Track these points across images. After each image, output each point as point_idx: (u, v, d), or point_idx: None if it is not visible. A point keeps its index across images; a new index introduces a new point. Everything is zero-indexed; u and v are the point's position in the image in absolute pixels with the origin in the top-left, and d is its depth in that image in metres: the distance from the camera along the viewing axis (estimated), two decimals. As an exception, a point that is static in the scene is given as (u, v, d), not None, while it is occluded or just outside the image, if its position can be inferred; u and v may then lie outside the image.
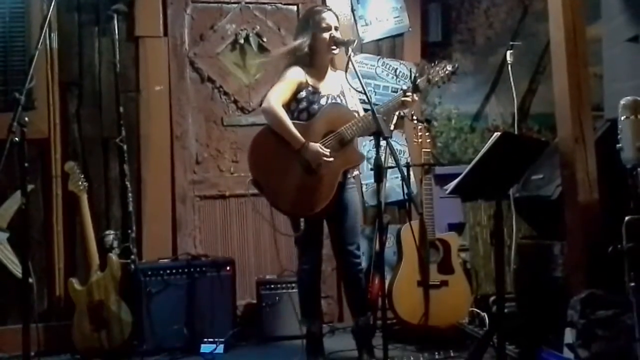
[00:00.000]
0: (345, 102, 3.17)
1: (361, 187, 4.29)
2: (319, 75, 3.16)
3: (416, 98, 3.10)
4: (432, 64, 3.15)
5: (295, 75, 3.08)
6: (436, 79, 3.08)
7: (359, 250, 3.24)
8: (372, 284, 3.65)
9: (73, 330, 3.53)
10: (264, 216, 3.31)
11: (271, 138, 3.00)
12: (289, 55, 3.18)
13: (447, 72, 3.08)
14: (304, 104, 3.09)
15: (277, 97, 3.01)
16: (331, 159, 2.96)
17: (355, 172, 3.32)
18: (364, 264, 3.76)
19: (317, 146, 2.95)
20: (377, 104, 3.05)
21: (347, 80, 3.27)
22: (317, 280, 3.27)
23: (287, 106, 3.06)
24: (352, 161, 3.10)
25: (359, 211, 3.31)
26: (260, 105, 4.16)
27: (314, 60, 3.13)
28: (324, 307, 4.07)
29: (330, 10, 3.20)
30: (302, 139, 2.95)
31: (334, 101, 3.11)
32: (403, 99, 3.07)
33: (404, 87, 3.14)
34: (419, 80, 3.09)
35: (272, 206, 3.02)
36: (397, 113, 3.50)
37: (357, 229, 3.26)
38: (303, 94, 3.09)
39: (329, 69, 3.21)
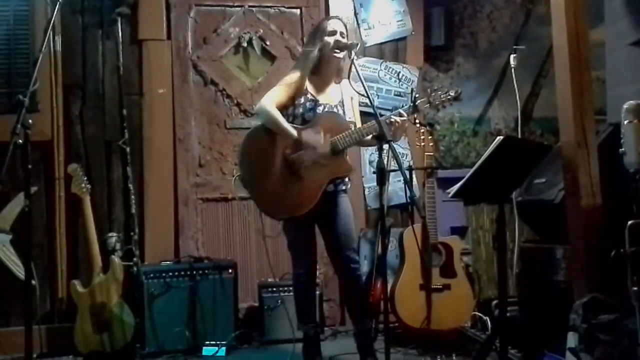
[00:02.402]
0: (344, 112, 3.15)
1: (364, 191, 4.30)
2: (322, 84, 3.16)
3: (404, 122, 3.00)
4: (435, 88, 3.10)
5: (294, 79, 3.10)
6: (437, 102, 3.02)
7: (357, 255, 3.23)
8: (374, 287, 3.65)
9: (75, 332, 3.53)
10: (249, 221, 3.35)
11: (261, 137, 3.04)
12: (297, 62, 3.23)
13: (449, 97, 3.02)
14: (299, 110, 3.10)
15: (270, 97, 3.07)
16: (325, 138, 2.96)
17: (348, 185, 3.19)
18: (366, 268, 3.78)
19: (310, 131, 2.98)
20: (382, 109, 3.03)
21: (351, 85, 3.27)
22: (312, 284, 3.26)
23: (284, 109, 3.09)
24: (341, 171, 3.05)
25: (351, 217, 3.18)
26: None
27: (320, 69, 3.14)
28: (326, 311, 4.08)
29: (337, 18, 3.23)
30: (295, 132, 2.99)
31: (329, 109, 3.11)
32: (393, 118, 2.98)
33: (403, 107, 3.06)
34: (419, 102, 3.02)
35: (261, 208, 3.05)
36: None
37: (352, 234, 3.18)
38: (301, 100, 3.10)
39: (334, 80, 3.19)
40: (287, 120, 3.06)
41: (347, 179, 3.17)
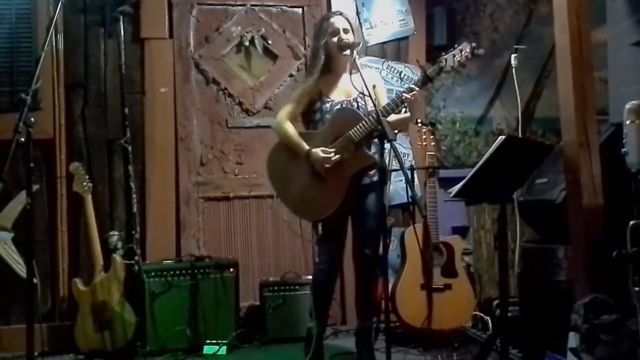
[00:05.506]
0: (365, 103, 3.11)
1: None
2: (335, 81, 3.17)
3: (415, 95, 2.93)
4: (444, 52, 2.93)
5: (304, 90, 3.16)
6: (451, 65, 2.88)
7: (377, 255, 3.16)
8: (375, 286, 3.64)
9: (76, 331, 3.53)
10: (284, 220, 3.54)
11: (283, 150, 3.13)
12: (308, 67, 3.28)
13: (466, 54, 2.86)
14: (318, 115, 3.14)
15: (284, 113, 3.17)
16: (336, 157, 2.98)
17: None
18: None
19: (319, 151, 3.00)
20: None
21: (374, 77, 3.26)
22: (332, 281, 3.25)
23: (307, 119, 3.19)
24: (362, 163, 3.06)
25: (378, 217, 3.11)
26: (265, 107, 4.25)
27: (330, 66, 3.15)
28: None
29: (339, 14, 3.20)
30: (306, 147, 3.03)
31: (341, 106, 3.11)
32: (404, 95, 2.95)
33: (412, 85, 3.00)
34: (429, 70, 2.94)
35: (295, 214, 3.16)
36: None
37: (376, 234, 3.12)
38: (318, 104, 3.14)
39: (349, 72, 3.14)
40: (311, 127, 3.15)
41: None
